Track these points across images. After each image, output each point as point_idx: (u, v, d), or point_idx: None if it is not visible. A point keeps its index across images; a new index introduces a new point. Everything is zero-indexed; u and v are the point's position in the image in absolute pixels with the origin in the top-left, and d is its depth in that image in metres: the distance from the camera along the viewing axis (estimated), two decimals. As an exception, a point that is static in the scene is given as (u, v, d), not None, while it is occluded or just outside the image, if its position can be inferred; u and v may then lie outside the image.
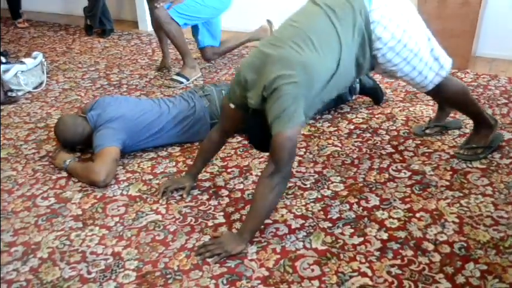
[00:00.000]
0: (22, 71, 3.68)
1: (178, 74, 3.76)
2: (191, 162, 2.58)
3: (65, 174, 2.61)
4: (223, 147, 2.59)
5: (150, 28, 4.93)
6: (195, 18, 3.63)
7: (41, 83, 3.80)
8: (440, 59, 2.27)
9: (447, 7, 3.50)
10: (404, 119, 2.97)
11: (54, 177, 2.60)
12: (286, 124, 1.84)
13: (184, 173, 2.51)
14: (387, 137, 2.78)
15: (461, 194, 2.27)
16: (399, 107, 3.11)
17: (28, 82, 3.72)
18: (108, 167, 2.47)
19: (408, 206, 2.21)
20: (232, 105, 2.11)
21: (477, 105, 2.55)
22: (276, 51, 1.93)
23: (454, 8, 3.49)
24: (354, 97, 3.18)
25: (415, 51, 2.17)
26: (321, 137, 2.82)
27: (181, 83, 3.72)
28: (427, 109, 3.07)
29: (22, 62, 3.75)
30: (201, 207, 2.28)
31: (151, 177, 2.55)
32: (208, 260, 1.96)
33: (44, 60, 3.90)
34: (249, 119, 2.08)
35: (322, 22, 1.99)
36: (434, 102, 3.13)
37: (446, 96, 2.45)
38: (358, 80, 3.08)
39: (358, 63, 2.11)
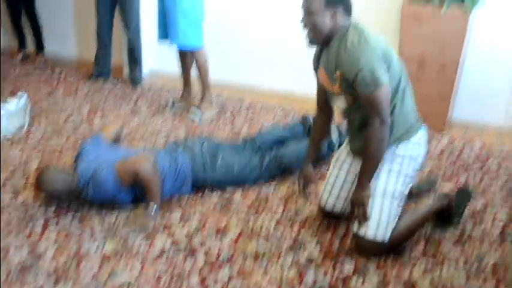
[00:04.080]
0: (5, 113, 3.68)
1: (197, 107, 3.98)
2: (168, 219, 2.62)
3: (40, 224, 2.60)
4: (202, 202, 2.62)
5: (135, 73, 5.00)
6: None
7: (23, 126, 3.80)
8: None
9: (425, 71, 3.62)
10: (381, 181, 3.03)
11: (28, 228, 2.59)
12: (378, 80, 2.08)
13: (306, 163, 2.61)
14: (364, 200, 2.82)
15: (434, 264, 2.31)
16: (377, 169, 3.17)
17: (10, 123, 3.71)
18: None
19: (382, 273, 2.24)
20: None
21: (423, 217, 2.48)
22: None
23: (431, 72, 3.60)
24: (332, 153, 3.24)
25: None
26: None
27: (196, 115, 3.93)
28: (404, 172, 3.13)
29: (6, 104, 3.75)
30: (175, 270, 2.28)
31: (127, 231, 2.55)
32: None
33: (28, 101, 3.91)
34: None
35: None
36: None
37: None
38: (338, 136, 3.16)
39: None
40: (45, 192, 2.72)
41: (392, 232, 2.28)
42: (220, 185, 2.91)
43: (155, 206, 2.60)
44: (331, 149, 3.16)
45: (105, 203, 2.72)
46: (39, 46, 5.56)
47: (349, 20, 2.20)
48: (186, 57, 4.01)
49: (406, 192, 2.34)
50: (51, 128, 3.80)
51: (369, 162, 2.24)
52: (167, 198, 2.80)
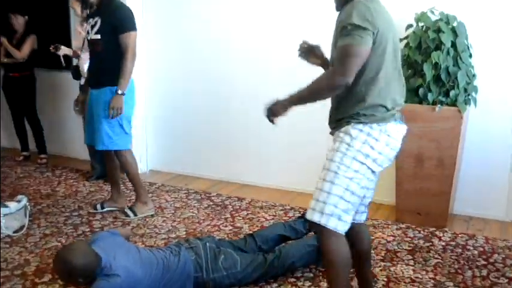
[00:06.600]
0: (4, 214, 3.68)
1: (130, 208, 4.01)
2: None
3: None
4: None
5: (136, 173, 5.06)
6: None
7: (22, 227, 3.78)
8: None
9: (423, 168, 3.66)
10: (386, 279, 2.97)
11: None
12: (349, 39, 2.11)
13: None
14: (369, 299, 2.75)
15: None
16: (380, 266, 3.12)
17: (9, 226, 3.70)
18: None
19: None
20: None
21: None
22: None
23: (430, 168, 3.64)
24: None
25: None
26: (303, 297, 2.79)
27: (128, 216, 3.95)
28: (408, 269, 3.08)
29: (6, 206, 3.75)
30: None
31: (127, 337, 2.47)
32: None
33: (27, 204, 3.91)
34: None
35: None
36: (414, 261, 3.17)
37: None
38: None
39: None
40: (62, 269, 2.58)
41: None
42: (222, 285, 2.84)
43: None
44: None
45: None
46: (41, 149, 5.66)
47: None
48: (111, 159, 4.04)
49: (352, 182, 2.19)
50: (50, 230, 3.77)
51: (306, 88, 2.24)
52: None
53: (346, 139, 2.21)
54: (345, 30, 2.14)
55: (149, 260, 2.75)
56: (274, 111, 2.33)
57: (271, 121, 2.35)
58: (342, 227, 2.21)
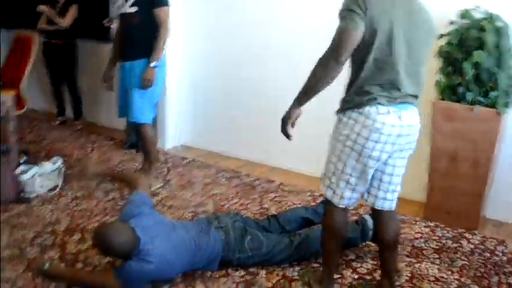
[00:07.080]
0: (40, 174, 3.78)
1: None
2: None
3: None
4: (225, 279, 2.56)
5: (168, 146, 5.11)
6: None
7: (56, 187, 3.88)
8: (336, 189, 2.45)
9: (458, 167, 3.60)
10: (409, 275, 2.95)
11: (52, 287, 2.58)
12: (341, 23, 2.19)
13: None
14: (391, 293, 2.74)
15: None
16: (405, 261, 3.09)
17: (43, 185, 3.81)
18: None
19: None
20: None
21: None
22: None
23: (464, 167, 3.57)
24: (364, 243, 3.18)
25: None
26: (325, 283, 2.79)
27: None
28: (433, 267, 3.05)
29: (41, 165, 3.86)
30: None
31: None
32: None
33: (62, 165, 4.00)
34: None
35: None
36: (440, 261, 3.14)
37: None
38: (372, 225, 3.09)
39: None
40: (101, 246, 2.63)
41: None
42: (246, 264, 2.88)
43: None
44: (365, 238, 3.13)
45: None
46: (77, 115, 5.78)
47: None
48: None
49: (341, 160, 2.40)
50: (82, 193, 3.85)
51: (305, 81, 2.35)
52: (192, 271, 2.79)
53: (335, 124, 2.44)
54: (339, 16, 2.22)
55: (182, 240, 2.76)
56: (284, 119, 2.51)
57: (286, 135, 2.54)
58: (336, 200, 2.45)
